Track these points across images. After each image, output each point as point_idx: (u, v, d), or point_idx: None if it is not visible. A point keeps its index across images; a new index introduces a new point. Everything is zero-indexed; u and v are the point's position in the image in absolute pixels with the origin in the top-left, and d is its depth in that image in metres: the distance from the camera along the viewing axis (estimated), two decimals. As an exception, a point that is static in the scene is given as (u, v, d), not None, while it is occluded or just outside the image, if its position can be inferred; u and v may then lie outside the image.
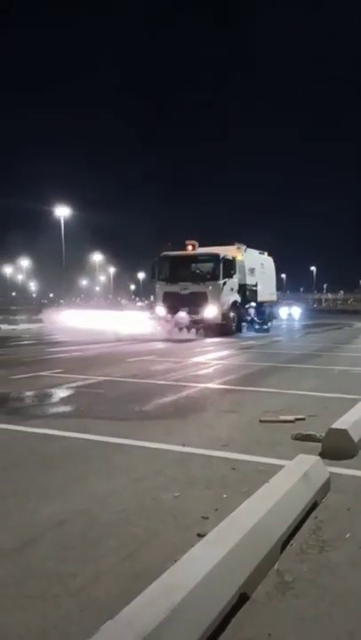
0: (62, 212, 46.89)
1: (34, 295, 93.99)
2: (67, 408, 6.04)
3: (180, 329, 18.38)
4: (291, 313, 42.93)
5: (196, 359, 11.19)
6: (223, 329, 18.81)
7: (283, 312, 43.53)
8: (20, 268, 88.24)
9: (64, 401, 6.52)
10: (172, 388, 7.33)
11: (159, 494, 3.20)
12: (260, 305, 22.25)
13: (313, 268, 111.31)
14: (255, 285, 22.00)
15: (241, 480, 3.43)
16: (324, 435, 4.06)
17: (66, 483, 3.45)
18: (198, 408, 5.91)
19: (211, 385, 7.59)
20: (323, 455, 3.68)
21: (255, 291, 21.97)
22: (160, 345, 15.03)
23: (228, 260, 19.69)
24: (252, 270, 21.86)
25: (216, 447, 4.20)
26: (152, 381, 7.99)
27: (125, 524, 2.78)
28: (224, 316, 19.06)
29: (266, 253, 24.75)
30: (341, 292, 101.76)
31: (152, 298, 26.82)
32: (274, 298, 26.22)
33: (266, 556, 2.24)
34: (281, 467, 3.24)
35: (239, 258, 20.76)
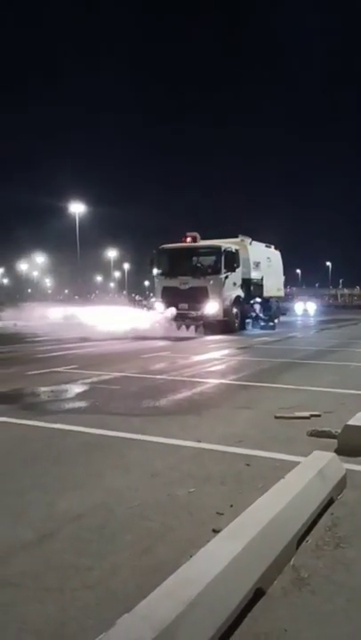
0: (77, 208, 47.05)
1: (49, 292, 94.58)
2: (82, 403, 6.08)
3: (179, 326, 17.55)
4: (306, 308, 42.71)
5: (208, 355, 11.20)
6: (225, 326, 17.79)
7: (298, 308, 43.35)
8: (36, 265, 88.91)
9: (79, 396, 6.57)
10: (187, 384, 7.35)
11: (174, 490, 3.22)
12: (266, 300, 21.40)
13: (329, 264, 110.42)
14: (261, 280, 21.05)
15: (256, 476, 3.43)
16: (340, 431, 4.05)
17: (83, 477, 3.48)
18: (213, 404, 5.91)
19: (225, 381, 7.59)
20: (339, 452, 3.66)
21: (261, 286, 21.02)
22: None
23: (230, 252, 18.59)
24: (257, 264, 20.86)
25: (231, 443, 4.21)
26: (166, 377, 8.01)
27: (141, 519, 2.81)
28: (226, 312, 18.01)
29: (273, 247, 23.76)
30: (358, 287, 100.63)
31: (151, 294, 26.41)
32: (281, 293, 25.27)
33: (282, 552, 2.25)
34: (296, 463, 3.24)
35: (243, 251, 19.72)
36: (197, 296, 17.76)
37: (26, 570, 2.30)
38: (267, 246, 22.96)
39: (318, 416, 5.09)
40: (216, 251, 18.46)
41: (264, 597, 2.06)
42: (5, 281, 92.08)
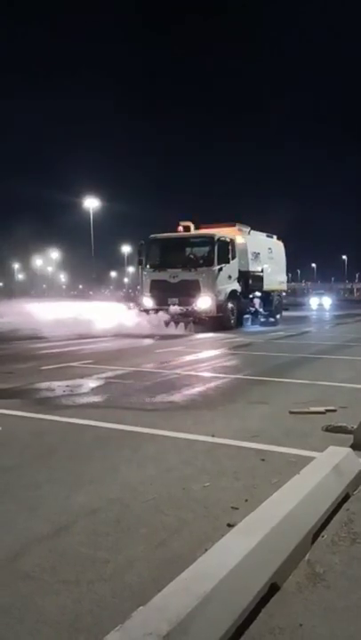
0: (91, 203, 47.19)
1: (63, 287, 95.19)
2: (97, 398, 6.12)
3: (167, 322, 16.02)
4: (321, 303, 42.48)
5: (221, 350, 11.18)
6: (219, 322, 16.27)
7: (313, 302, 43.12)
8: (50, 260, 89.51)
9: (94, 391, 6.60)
10: (201, 379, 7.36)
11: (189, 484, 3.23)
12: (266, 294, 19.92)
13: (344, 257, 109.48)
14: (260, 272, 19.34)
15: (271, 471, 3.43)
16: (355, 426, 4.02)
17: (98, 471, 3.51)
18: (227, 399, 5.91)
19: (240, 376, 7.57)
20: (354, 447, 3.64)
21: (260, 278, 19.34)
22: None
23: (224, 241, 17.01)
24: (256, 255, 19.16)
25: (246, 438, 4.20)
26: (180, 372, 8.02)
27: (156, 513, 2.82)
28: (220, 307, 16.43)
29: (275, 237, 21.92)
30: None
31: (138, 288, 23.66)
32: (284, 287, 23.37)
33: (297, 547, 2.24)
34: (312, 458, 3.23)
35: (241, 240, 18.13)
36: (188, 290, 16.29)
37: (42, 562, 2.33)
38: (268, 236, 21.25)
39: (334, 411, 5.06)
40: (208, 240, 16.92)
41: (279, 592, 2.06)
42: (21, 276, 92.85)
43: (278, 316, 20.90)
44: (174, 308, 16.26)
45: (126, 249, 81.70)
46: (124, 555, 2.38)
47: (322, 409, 5.11)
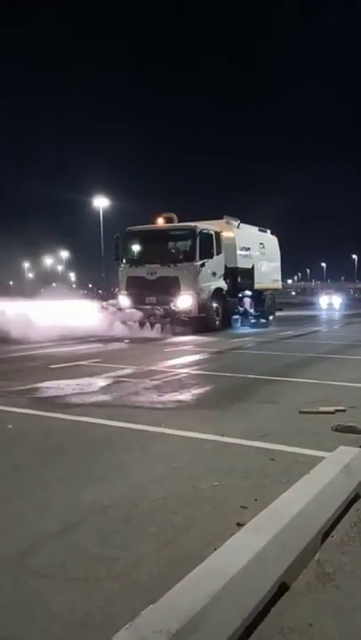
0: (101, 202, 47.25)
1: (73, 286, 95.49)
2: (105, 397, 6.13)
3: (142, 324, 14.44)
4: (331, 302, 42.31)
5: (228, 349, 11.17)
6: (202, 324, 14.81)
7: (323, 301, 42.95)
8: (60, 259, 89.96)
9: (103, 390, 6.62)
10: (210, 378, 7.36)
11: (198, 483, 3.23)
12: (258, 293, 18.43)
13: (355, 257, 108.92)
14: (251, 269, 17.77)
15: (280, 471, 3.42)
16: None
17: (107, 469, 3.52)
18: (236, 398, 5.90)
19: (248, 375, 7.56)
20: (364, 447, 3.62)
21: (251, 275, 17.75)
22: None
23: (207, 234, 15.45)
24: (246, 250, 17.73)
25: (255, 437, 4.19)
26: (188, 371, 8.02)
27: (165, 511, 2.82)
28: (202, 307, 14.96)
29: (269, 231, 20.44)
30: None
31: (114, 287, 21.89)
32: (278, 285, 21.51)
33: (306, 547, 2.24)
34: (321, 458, 3.22)
35: (228, 234, 16.69)
36: (167, 288, 14.78)
37: (52, 560, 2.34)
38: (261, 230, 19.86)
39: (343, 411, 5.04)
40: (190, 233, 15.30)
41: (288, 592, 2.06)
42: (31, 275, 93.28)
43: (271, 317, 19.66)
44: (147, 308, 14.83)
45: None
46: (133, 553, 2.38)
47: (331, 409, 5.08)
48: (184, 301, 14.76)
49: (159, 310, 14.70)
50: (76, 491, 3.13)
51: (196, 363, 9.10)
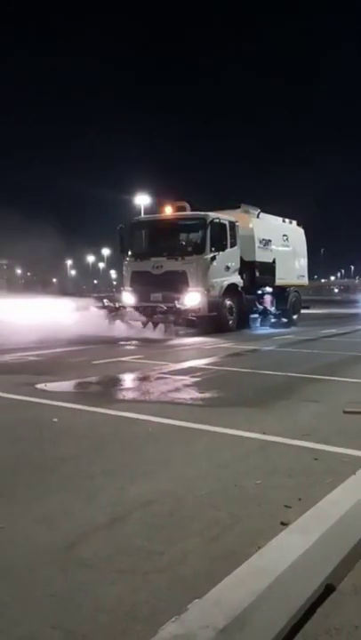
0: (142, 200, 47.56)
1: (114, 282, 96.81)
2: (146, 393, 6.20)
3: (144, 323, 13.29)
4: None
5: (268, 347, 11.07)
6: (213, 323, 13.37)
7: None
8: (102, 257, 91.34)
9: (143, 386, 6.69)
10: (251, 376, 7.32)
11: (241, 481, 3.23)
12: (280, 290, 16.73)
13: None
14: (272, 263, 16.05)
15: (324, 470, 3.38)
16: None
17: (151, 465, 3.57)
18: (278, 396, 5.85)
19: (290, 373, 7.48)
20: None
21: (271, 270, 16.06)
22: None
23: (218, 224, 13.76)
24: (266, 242, 15.91)
25: (297, 436, 4.15)
26: (230, 369, 8.00)
27: (209, 508, 2.84)
28: (213, 305, 13.34)
29: (295, 222, 18.42)
30: None
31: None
32: (304, 281, 19.31)
33: (353, 549, 2.21)
34: (367, 459, 3.16)
35: (245, 224, 15.05)
36: (174, 283, 13.26)
37: (99, 551, 2.39)
38: (284, 221, 17.96)
39: (389, 411, 4.92)
40: (200, 223, 13.69)
41: (334, 593, 2.04)
42: (73, 272, 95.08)
43: (295, 317, 17.90)
44: (151, 306, 13.50)
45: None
46: (178, 547, 2.41)
47: (377, 409, 4.97)
48: (191, 299, 13.15)
49: (164, 308, 13.20)
50: (120, 484, 3.19)
51: (229, 362, 9.08)
